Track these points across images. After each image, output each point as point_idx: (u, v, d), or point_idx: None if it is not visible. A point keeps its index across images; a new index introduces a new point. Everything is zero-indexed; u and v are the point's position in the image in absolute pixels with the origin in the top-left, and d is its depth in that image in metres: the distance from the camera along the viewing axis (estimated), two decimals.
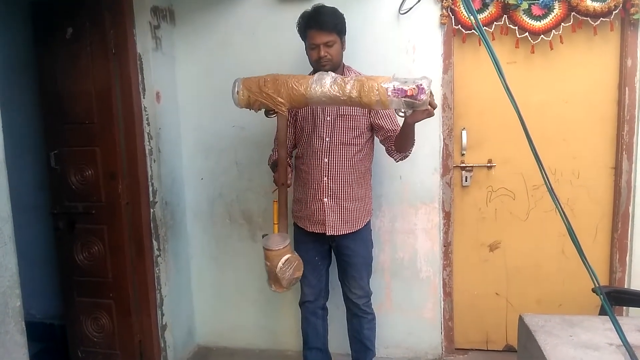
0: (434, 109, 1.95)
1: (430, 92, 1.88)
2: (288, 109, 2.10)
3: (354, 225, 2.40)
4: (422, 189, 2.82)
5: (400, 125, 2.23)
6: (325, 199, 2.35)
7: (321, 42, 2.25)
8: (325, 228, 2.36)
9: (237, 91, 2.11)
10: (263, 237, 2.26)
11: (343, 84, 1.97)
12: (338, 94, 1.97)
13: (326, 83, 1.99)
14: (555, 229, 2.76)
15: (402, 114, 2.01)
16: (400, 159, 2.36)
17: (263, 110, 2.14)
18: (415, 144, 2.28)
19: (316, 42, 2.26)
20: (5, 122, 1.61)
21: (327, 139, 2.34)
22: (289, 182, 2.26)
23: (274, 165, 2.38)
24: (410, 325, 2.94)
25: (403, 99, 1.88)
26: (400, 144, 2.27)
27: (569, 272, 2.79)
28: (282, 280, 2.18)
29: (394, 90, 1.89)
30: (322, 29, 2.24)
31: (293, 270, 2.22)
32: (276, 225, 2.23)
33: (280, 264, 2.16)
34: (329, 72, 2.10)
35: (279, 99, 2.05)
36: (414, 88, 1.86)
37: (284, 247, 2.18)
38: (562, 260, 2.81)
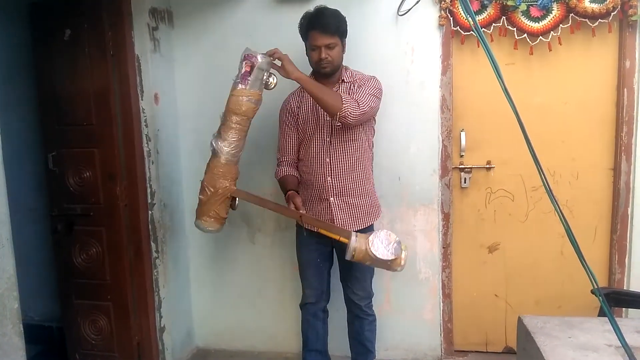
0: None
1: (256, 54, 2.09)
2: (233, 185, 2.22)
3: (364, 221, 2.42)
4: (421, 191, 2.81)
5: (359, 100, 2.22)
6: (332, 198, 2.36)
7: (323, 44, 2.24)
8: None
9: (205, 229, 2.29)
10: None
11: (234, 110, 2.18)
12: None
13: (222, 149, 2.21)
14: (554, 230, 2.76)
15: (268, 87, 2.18)
16: (338, 122, 2.24)
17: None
18: (348, 108, 2.16)
19: (318, 43, 2.25)
20: (3, 124, 1.62)
21: (327, 139, 2.35)
22: (303, 211, 2.25)
23: (283, 187, 2.42)
24: (410, 327, 2.94)
25: (252, 75, 2.10)
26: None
27: (568, 273, 2.79)
28: (395, 257, 2.07)
29: (241, 80, 2.12)
30: (324, 31, 2.23)
31: (387, 242, 2.10)
32: (339, 239, 2.17)
33: (372, 250, 2.07)
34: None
35: (224, 184, 2.20)
36: (246, 63, 2.11)
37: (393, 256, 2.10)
38: (561, 262, 2.81)
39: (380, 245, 2.05)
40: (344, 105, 2.15)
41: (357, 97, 2.23)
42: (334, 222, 2.35)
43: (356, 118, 2.19)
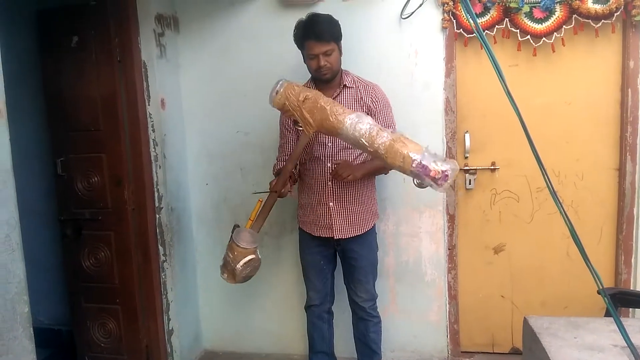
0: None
1: (452, 182, 1.90)
2: (314, 133, 2.12)
3: (361, 228, 2.41)
4: (426, 192, 2.79)
5: (393, 128, 2.29)
6: (331, 203, 2.36)
7: (320, 52, 2.25)
8: (333, 232, 2.37)
9: (277, 92, 2.09)
10: (234, 227, 2.22)
11: (375, 137, 1.97)
12: (366, 144, 1.99)
13: (361, 128, 1.99)
14: (560, 231, 2.76)
15: (418, 185, 2.02)
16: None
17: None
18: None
19: (314, 52, 2.25)
20: (12, 130, 1.63)
21: (329, 144, 2.36)
22: (284, 192, 2.25)
23: (279, 174, 2.38)
24: (416, 329, 2.94)
25: (425, 176, 1.89)
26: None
27: (574, 274, 2.79)
28: (237, 276, 2.17)
29: (419, 164, 1.89)
30: (319, 39, 2.23)
31: (251, 269, 2.19)
32: (250, 222, 2.20)
33: (242, 262, 2.13)
34: (368, 117, 2.07)
35: (311, 120, 2.05)
36: (438, 171, 1.87)
37: (252, 248, 2.16)
38: (567, 262, 2.80)
39: (245, 269, 2.16)
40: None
41: (389, 125, 2.35)
42: (332, 227, 2.37)
43: None
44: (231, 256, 2.16)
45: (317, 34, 2.23)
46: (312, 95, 2.08)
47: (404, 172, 1.97)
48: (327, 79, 2.31)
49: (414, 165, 1.90)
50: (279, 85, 2.09)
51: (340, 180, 2.24)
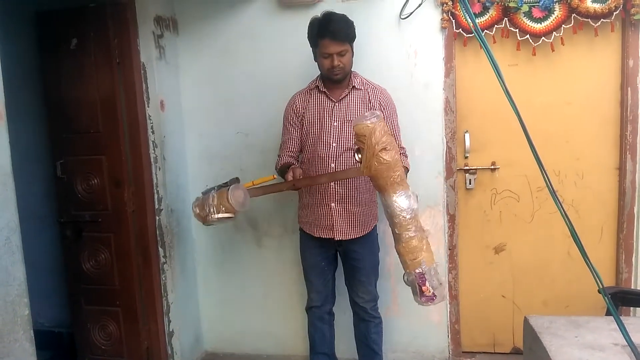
0: None
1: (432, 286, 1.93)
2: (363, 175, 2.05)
3: (362, 230, 2.41)
4: (426, 192, 2.82)
5: (398, 135, 2.37)
6: (333, 204, 2.36)
7: (334, 52, 2.23)
8: (333, 233, 2.37)
9: (370, 120, 1.94)
10: (235, 179, 2.14)
11: (407, 222, 1.96)
12: (395, 221, 1.98)
13: (402, 208, 1.96)
14: (561, 231, 2.75)
15: (405, 280, 2.00)
16: None
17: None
18: (408, 160, 2.41)
19: (330, 51, 2.24)
20: (11, 133, 1.62)
21: (333, 144, 2.35)
22: (297, 184, 2.20)
23: (282, 171, 2.37)
24: (417, 329, 2.94)
25: (417, 283, 1.93)
26: None
27: (575, 273, 2.79)
28: (206, 221, 2.11)
29: (421, 274, 1.93)
30: (335, 38, 2.22)
31: (220, 224, 2.16)
32: (252, 184, 2.15)
33: (219, 215, 2.06)
34: (414, 196, 2.00)
35: (374, 166, 1.94)
36: (430, 291, 1.93)
37: (237, 210, 2.08)
38: (568, 262, 2.80)
39: (218, 215, 2.08)
40: (409, 169, 2.39)
41: (398, 134, 2.42)
42: (333, 228, 2.36)
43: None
44: (214, 202, 2.08)
45: (334, 33, 2.22)
46: (391, 147, 1.93)
47: (403, 266, 1.98)
48: (338, 80, 2.31)
49: (417, 271, 1.93)
50: (374, 117, 1.93)
51: None
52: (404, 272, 2.00)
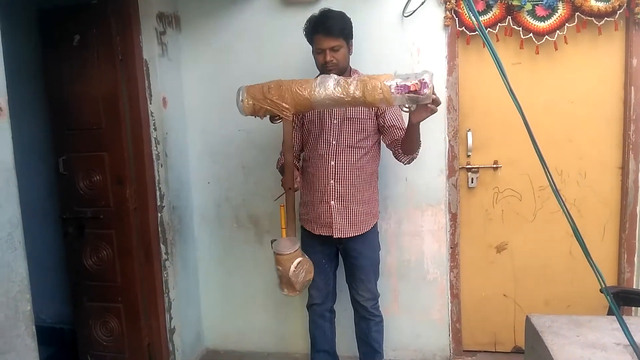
0: (438, 105, 1.95)
1: (432, 86, 1.88)
2: (293, 113, 2.09)
3: (361, 228, 2.41)
4: (428, 191, 2.82)
5: (401, 121, 2.27)
6: (332, 202, 2.36)
7: (327, 47, 2.25)
8: (333, 231, 2.37)
9: (242, 99, 2.11)
10: (272, 242, 2.23)
11: (346, 85, 1.97)
12: (342, 96, 1.97)
13: (329, 85, 1.99)
14: (563, 230, 2.75)
15: (407, 110, 2.01)
16: (408, 162, 2.36)
17: (268, 116, 2.14)
18: (421, 145, 2.29)
19: (322, 46, 2.26)
20: (14, 129, 1.63)
21: (333, 142, 2.35)
22: (296, 186, 2.24)
23: (282, 169, 2.38)
24: (418, 328, 2.94)
25: (406, 94, 1.89)
26: (407, 145, 2.27)
27: (577, 272, 2.78)
28: (296, 284, 2.16)
29: (397, 87, 1.89)
30: (328, 34, 2.24)
31: (305, 273, 2.19)
32: (284, 230, 2.20)
33: (292, 268, 2.13)
34: (331, 74, 2.08)
35: (284, 104, 2.05)
36: (416, 83, 1.87)
37: (294, 251, 2.16)
38: (570, 261, 2.80)
39: (298, 272, 2.18)
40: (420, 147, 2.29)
41: (403, 123, 2.31)
42: (332, 226, 2.36)
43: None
44: (280, 269, 2.16)
45: (326, 28, 2.24)
46: (273, 82, 2.09)
47: (389, 103, 1.94)
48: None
49: (393, 89, 1.89)
50: (239, 93, 2.11)
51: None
52: (407, 109, 2.00)
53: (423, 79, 1.87)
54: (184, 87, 3.03)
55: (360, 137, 2.35)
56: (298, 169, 2.41)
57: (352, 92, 1.96)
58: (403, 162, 2.37)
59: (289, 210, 2.21)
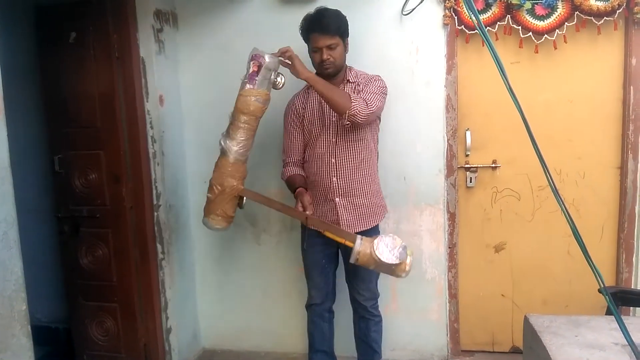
0: (287, 53, 2.19)
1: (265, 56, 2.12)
2: (240, 180, 2.23)
3: (370, 222, 2.41)
4: (427, 190, 2.81)
5: (366, 99, 2.23)
6: (337, 199, 2.36)
7: (324, 45, 2.25)
8: (340, 227, 2.35)
9: (210, 224, 2.28)
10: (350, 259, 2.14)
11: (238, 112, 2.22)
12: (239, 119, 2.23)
13: (226, 145, 2.24)
14: (561, 230, 2.74)
15: (276, 87, 2.22)
16: (347, 122, 2.23)
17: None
18: (341, 101, 2.17)
19: (318, 45, 2.26)
20: (9, 127, 1.62)
21: (332, 140, 2.35)
22: (310, 212, 2.23)
23: (290, 186, 2.41)
24: (416, 327, 2.93)
25: (259, 76, 2.12)
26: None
27: (575, 272, 2.78)
28: (394, 265, 2.03)
29: (249, 79, 2.15)
30: (324, 32, 2.24)
31: (392, 248, 2.03)
32: (346, 242, 2.13)
33: (375, 256, 2.02)
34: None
35: (230, 184, 2.21)
36: (253, 63, 2.13)
37: (361, 246, 2.06)
38: (568, 261, 2.79)
39: (385, 249, 2.02)
40: (353, 104, 2.16)
41: (364, 96, 2.23)
42: (339, 223, 2.35)
43: (365, 117, 2.20)
44: (373, 266, 2.09)
45: (322, 26, 2.24)
46: (210, 187, 2.27)
47: (263, 97, 2.18)
48: (329, 74, 2.31)
49: (248, 86, 2.15)
50: (208, 225, 2.33)
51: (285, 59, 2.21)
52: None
53: (252, 55, 2.11)
54: (181, 85, 3.01)
55: (359, 132, 2.34)
56: (305, 181, 2.42)
57: (235, 110, 2.19)
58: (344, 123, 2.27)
59: (328, 227, 2.20)
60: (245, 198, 2.27)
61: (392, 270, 2.06)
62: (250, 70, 2.12)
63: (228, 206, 2.25)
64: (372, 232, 2.41)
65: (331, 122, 2.34)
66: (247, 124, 2.19)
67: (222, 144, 2.21)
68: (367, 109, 2.20)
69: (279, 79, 2.19)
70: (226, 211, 2.26)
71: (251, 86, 2.13)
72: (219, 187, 2.22)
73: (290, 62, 2.18)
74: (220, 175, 2.22)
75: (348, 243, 2.11)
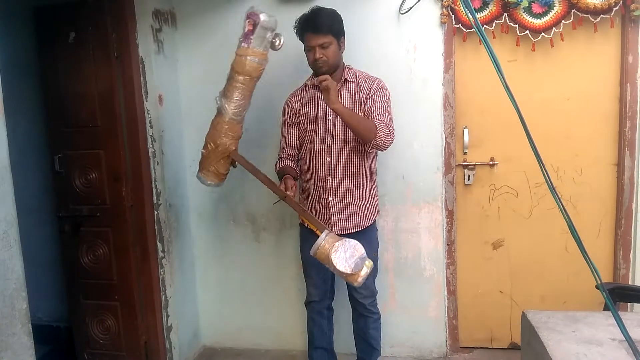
0: (325, 82, 2.12)
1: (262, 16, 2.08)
2: (234, 139, 2.23)
3: (361, 224, 2.41)
4: (425, 188, 2.82)
5: (387, 122, 2.28)
6: (331, 198, 2.36)
7: (316, 44, 2.26)
8: (331, 227, 2.36)
9: (202, 179, 2.31)
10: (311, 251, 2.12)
11: (231, 85, 2.21)
12: (235, 91, 2.20)
13: (223, 106, 2.22)
14: (559, 226, 2.76)
15: (274, 47, 2.20)
16: (370, 149, 2.31)
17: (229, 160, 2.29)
18: (368, 131, 2.21)
19: (311, 44, 2.27)
20: (9, 127, 1.62)
21: (328, 138, 2.35)
22: (291, 193, 2.21)
23: (280, 174, 2.39)
24: (415, 324, 2.94)
25: (254, 34, 2.09)
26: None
27: (573, 269, 2.79)
28: (347, 270, 1.97)
29: (244, 39, 2.13)
30: (317, 31, 2.25)
31: (350, 256, 1.98)
32: (317, 231, 2.12)
33: (332, 258, 1.98)
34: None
35: (222, 141, 2.21)
36: (248, 22, 2.10)
37: (324, 241, 2.02)
38: (566, 257, 2.81)
39: (342, 255, 1.97)
40: (378, 135, 2.23)
41: (385, 119, 2.29)
42: (331, 222, 2.36)
43: (389, 145, 2.30)
44: (328, 265, 2.05)
45: (315, 25, 2.25)
46: (205, 147, 2.30)
47: (259, 56, 2.15)
48: (323, 73, 2.31)
49: (244, 44, 2.13)
50: (201, 179, 2.35)
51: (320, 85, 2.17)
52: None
53: (246, 14, 2.06)
54: (180, 85, 3.02)
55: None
56: (296, 174, 2.42)
57: (234, 73, 2.17)
58: (367, 149, 2.34)
59: (304, 212, 2.20)
60: (233, 157, 2.27)
61: (344, 277, 2.03)
62: (246, 29, 2.09)
63: (220, 164, 2.26)
64: (364, 232, 2.42)
65: (326, 121, 2.36)
66: (243, 84, 2.17)
67: (218, 102, 2.20)
68: (391, 137, 2.29)
69: (277, 40, 2.16)
70: (218, 168, 2.27)
71: (246, 45, 2.11)
72: (212, 145, 2.23)
73: (326, 90, 2.14)
74: (215, 134, 2.23)
75: (317, 232, 2.11)
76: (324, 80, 2.12)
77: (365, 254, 2.01)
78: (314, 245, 2.04)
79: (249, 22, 2.10)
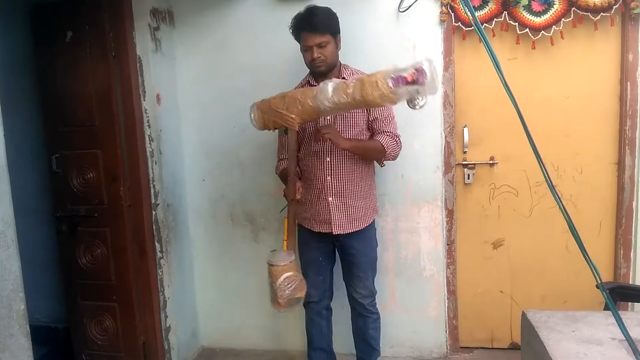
0: (327, 135, 2.15)
1: (434, 74, 1.81)
2: (299, 123, 2.11)
3: (360, 224, 2.40)
4: (425, 187, 2.81)
5: (392, 132, 2.33)
6: (330, 198, 2.35)
7: (314, 44, 2.24)
8: (331, 227, 2.36)
9: (252, 115, 2.21)
10: (271, 252, 2.21)
11: (345, 88, 1.94)
12: (342, 99, 1.94)
13: (328, 90, 1.96)
14: (559, 226, 2.75)
15: (413, 106, 1.91)
16: (383, 164, 2.43)
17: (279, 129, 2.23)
18: (382, 154, 2.31)
19: (309, 43, 2.25)
20: (6, 126, 1.61)
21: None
22: (298, 196, 2.22)
23: (284, 177, 2.38)
24: (415, 324, 2.94)
25: (406, 87, 1.81)
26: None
27: (574, 268, 2.78)
28: (280, 297, 2.10)
29: (394, 79, 1.83)
30: (313, 30, 2.23)
31: (294, 290, 2.12)
32: (285, 242, 2.19)
33: (280, 280, 2.09)
34: (331, 79, 2.07)
35: (290, 115, 2.07)
36: (413, 72, 1.81)
37: (287, 263, 2.12)
38: (566, 257, 2.80)
39: (287, 286, 2.10)
40: (387, 150, 2.30)
41: (391, 130, 2.35)
42: (331, 222, 2.35)
43: (398, 154, 2.38)
44: (270, 280, 2.14)
45: (312, 25, 2.23)
46: (278, 95, 2.14)
47: (391, 100, 1.88)
48: (321, 72, 2.30)
49: (390, 83, 1.83)
50: (250, 110, 2.22)
51: (320, 139, 2.24)
52: (407, 105, 1.91)
53: (419, 67, 1.81)
54: (178, 84, 3.01)
55: (354, 133, 2.33)
56: (300, 178, 2.40)
57: (351, 93, 1.92)
58: (380, 165, 2.45)
59: (291, 223, 2.21)
60: (289, 130, 2.18)
61: (273, 297, 2.16)
62: (406, 74, 1.82)
63: (274, 120, 2.15)
64: (363, 232, 2.43)
65: (325, 120, 2.33)
66: (349, 100, 1.94)
67: (327, 87, 1.98)
68: (399, 147, 2.37)
69: (421, 101, 1.90)
70: (267, 122, 2.19)
71: (392, 86, 1.84)
72: (284, 110, 2.08)
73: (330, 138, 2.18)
74: (294, 103, 2.06)
75: (284, 247, 2.19)
76: (325, 133, 2.16)
77: (305, 285, 2.18)
78: (277, 256, 2.13)
79: (414, 74, 1.82)
